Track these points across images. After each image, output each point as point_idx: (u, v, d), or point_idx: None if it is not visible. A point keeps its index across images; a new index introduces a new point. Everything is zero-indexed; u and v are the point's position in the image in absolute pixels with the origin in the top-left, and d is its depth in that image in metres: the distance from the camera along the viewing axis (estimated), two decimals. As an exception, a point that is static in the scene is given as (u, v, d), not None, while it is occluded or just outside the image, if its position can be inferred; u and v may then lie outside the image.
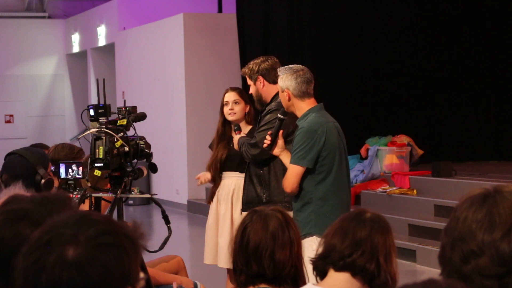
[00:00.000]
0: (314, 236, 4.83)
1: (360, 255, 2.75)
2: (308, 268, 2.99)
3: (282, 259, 2.98)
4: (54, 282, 1.55)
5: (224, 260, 6.01)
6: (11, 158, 4.27)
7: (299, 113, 5.11)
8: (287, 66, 5.21)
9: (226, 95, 6.15)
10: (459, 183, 10.00)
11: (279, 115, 5.20)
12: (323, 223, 4.73)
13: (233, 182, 6.11)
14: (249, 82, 5.82)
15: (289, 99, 5.08)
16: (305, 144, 4.97)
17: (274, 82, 5.72)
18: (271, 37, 12.90)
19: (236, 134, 6.01)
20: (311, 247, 4.60)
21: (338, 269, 2.77)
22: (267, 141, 5.18)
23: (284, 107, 5.19)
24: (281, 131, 5.16)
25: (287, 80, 5.09)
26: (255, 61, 5.86)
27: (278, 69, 5.24)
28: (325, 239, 2.81)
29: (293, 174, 5.00)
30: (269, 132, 5.21)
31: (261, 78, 5.75)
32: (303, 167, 4.97)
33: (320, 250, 2.81)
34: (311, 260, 2.84)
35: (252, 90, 5.82)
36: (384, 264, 2.77)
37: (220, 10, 14.76)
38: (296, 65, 5.21)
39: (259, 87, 5.77)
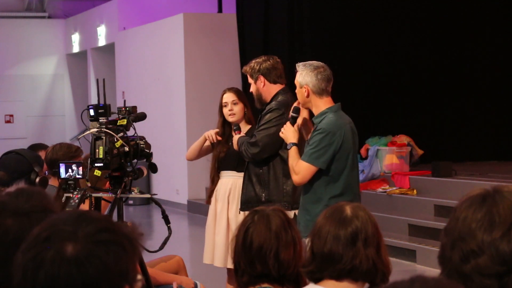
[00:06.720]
0: None
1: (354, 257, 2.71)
2: None
3: (286, 259, 2.96)
4: (53, 278, 1.56)
5: (220, 259, 6.00)
6: (8, 156, 4.30)
7: (316, 111, 5.08)
8: (307, 62, 5.13)
9: (224, 96, 6.14)
10: (459, 183, 9.99)
11: (291, 114, 5.19)
12: None
13: (230, 181, 6.11)
14: (250, 80, 5.80)
15: (308, 96, 5.05)
16: (322, 145, 4.94)
17: (275, 81, 5.72)
18: (271, 37, 12.89)
19: (235, 134, 6.01)
20: None
21: (338, 278, 2.73)
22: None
23: (296, 105, 5.18)
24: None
25: (307, 76, 5.05)
26: (256, 60, 5.84)
27: (297, 65, 5.16)
28: (316, 246, 2.76)
29: (306, 172, 4.98)
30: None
31: (261, 78, 5.74)
32: (316, 167, 4.97)
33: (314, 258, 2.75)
34: (304, 270, 2.81)
35: (252, 89, 5.81)
36: (376, 257, 2.74)
37: (220, 10, 14.75)
38: (316, 61, 5.14)
39: (260, 86, 5.76)
